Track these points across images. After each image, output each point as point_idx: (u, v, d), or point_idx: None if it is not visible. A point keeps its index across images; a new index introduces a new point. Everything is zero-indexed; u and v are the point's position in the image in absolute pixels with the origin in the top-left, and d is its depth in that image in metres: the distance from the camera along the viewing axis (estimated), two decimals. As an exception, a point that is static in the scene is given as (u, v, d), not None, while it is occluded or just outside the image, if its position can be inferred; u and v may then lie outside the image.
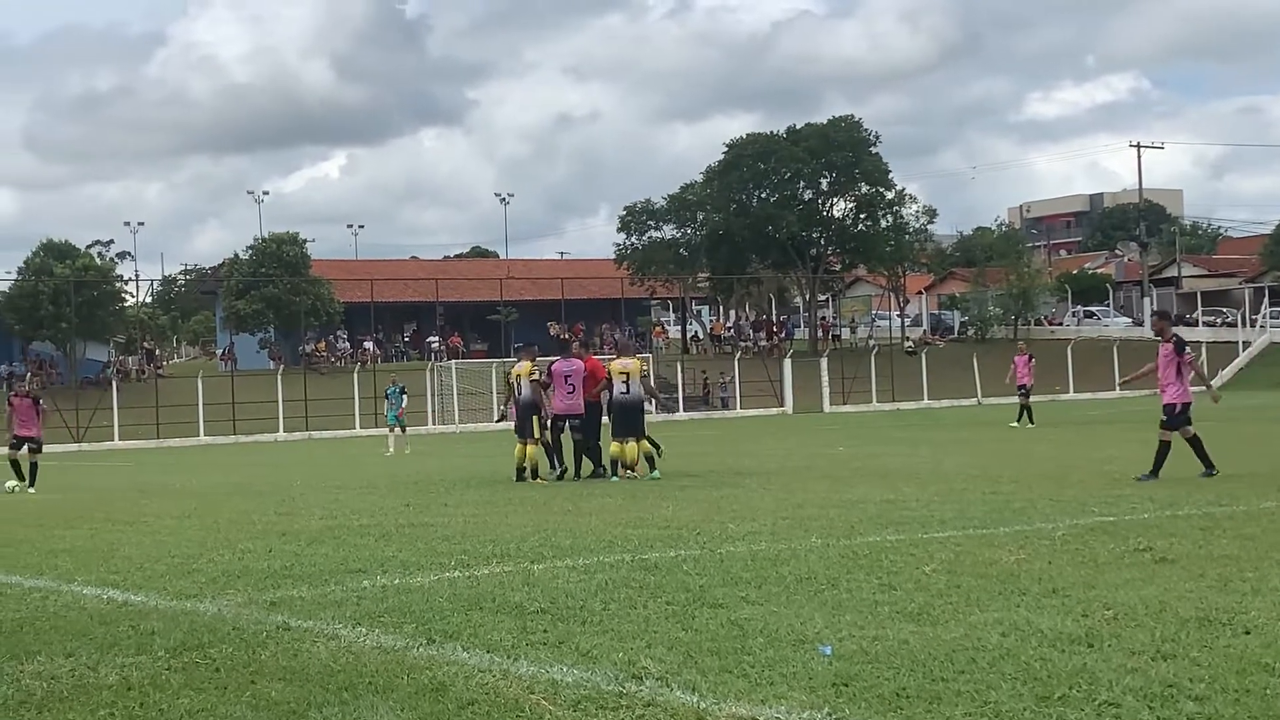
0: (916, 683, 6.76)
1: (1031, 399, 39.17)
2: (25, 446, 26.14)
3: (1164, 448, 18.39)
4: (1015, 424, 37.45)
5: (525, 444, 22.06)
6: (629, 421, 22.03)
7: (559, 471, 22.26)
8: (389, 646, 8.19)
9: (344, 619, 9.21)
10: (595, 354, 26.50)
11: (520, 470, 22.06)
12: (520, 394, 22.50)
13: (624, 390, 22.10)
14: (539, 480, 21.68)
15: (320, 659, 7.90)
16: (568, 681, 7.07)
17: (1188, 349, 19.74)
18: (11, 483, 25.78)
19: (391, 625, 8.90)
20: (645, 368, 23.21)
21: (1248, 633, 7.69)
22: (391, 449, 37.65)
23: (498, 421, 33.50)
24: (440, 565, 11.78)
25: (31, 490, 25.19)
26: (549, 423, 22.65)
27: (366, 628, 8.83)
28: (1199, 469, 18.08)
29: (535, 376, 22.37)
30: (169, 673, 7.71)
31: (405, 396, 39.39)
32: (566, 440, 22.88)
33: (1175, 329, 19.88)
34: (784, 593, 9.58)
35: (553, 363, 23.52)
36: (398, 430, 38.63)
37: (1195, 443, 18.48)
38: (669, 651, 7.69)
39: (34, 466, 25.97)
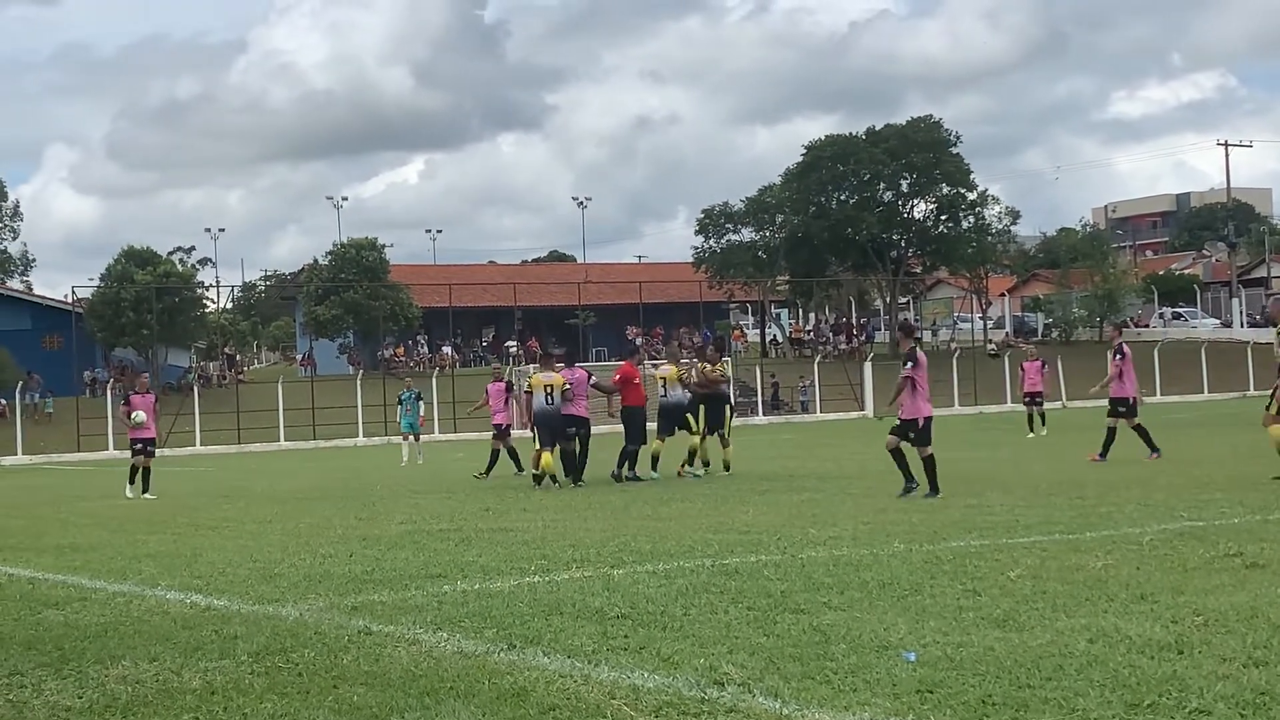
0: (1002, 690, 6.73)
1: (1046, 406, 38.05)
2: (145, 450, 25.97)
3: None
4: (1031, 434, 36.26)
5: (548, 451, 22.73)
6: (669, 422, 23.89)
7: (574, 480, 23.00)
8: (470, 651, 8.23)
9: (425, 624, 9.26)
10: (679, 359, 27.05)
11: (552, 476, 22.71)
12: (550, 403, 22.91)
13: (663, 394, 23.91)
14: (558, 484, 22.61)
15: (401, 664, 7.96)
16: (649, 687, 7.09)
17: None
18: (131, 491, 25.61)
19: (472, 630, 8.95)
20: (689, 373, 24.45)
21: (1343, 640, 7.59)
22: (405, 458, 35.95)
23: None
24: (520, 570, 11.83)
25: (149, 496, 25.16)
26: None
27: (447, 633, 8.88)
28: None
29: (567, 388, 22.98)
30: (252, 677, 7.79)
31: (423, 404, 38.04)
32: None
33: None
34: (866, 598, 9.55)
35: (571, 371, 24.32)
36: (411, 438, 36.61)
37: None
38: (751, 657, 7.68)
39: (148, 472, 25.88)
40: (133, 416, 25.49)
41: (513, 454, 27.08)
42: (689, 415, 23.98)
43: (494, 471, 26.53)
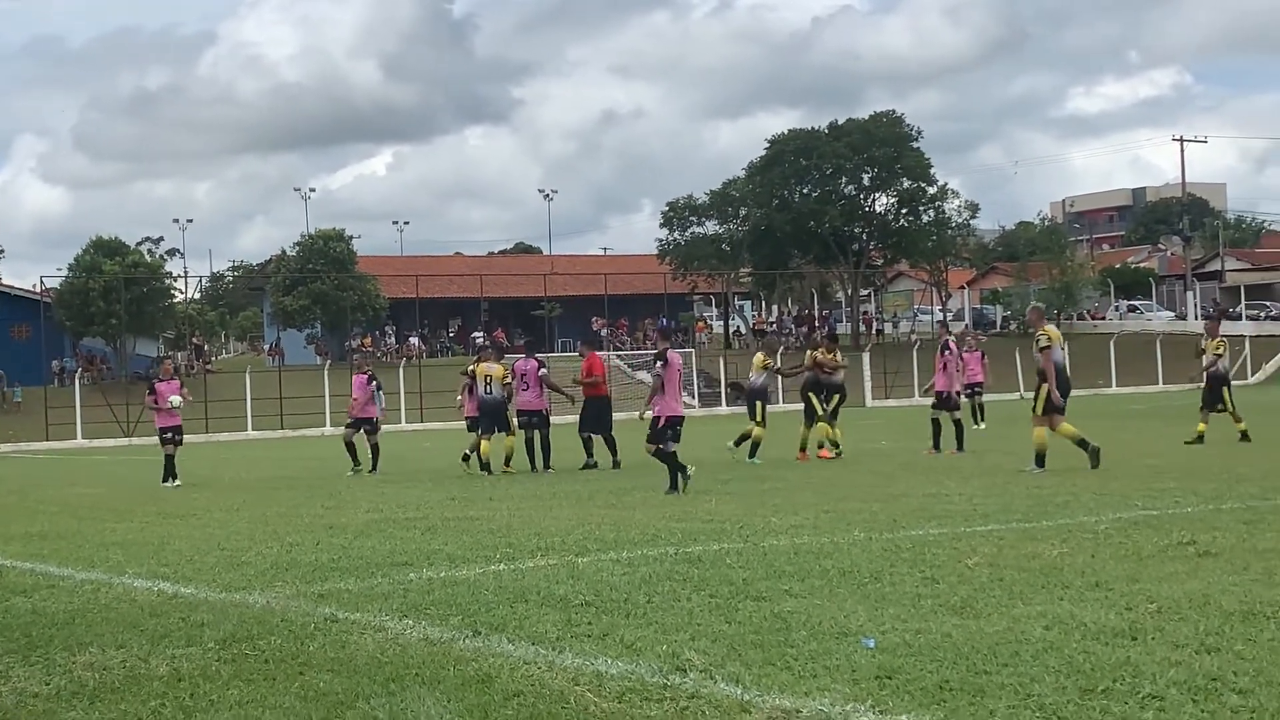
0: (960, 676, 6.75)
1: (984, 398, 37.65)
2: (363, 429, 25.93)
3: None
4: (976, 425, 35.62)
5: (486, 438, 23.74)
6: (490, 420, 23.97)
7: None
8: (435, 638, 8.23)
9: (391, 611, 9.26)
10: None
11: (486, 464, 23.51)
12: (490, 393, 23.82)
13: (486, 392, 23.94)
14: (507, 469, 23.56)
15: (367, 651, 7.94)
16: (612, 674, 7.09)
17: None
18: (171, 481, 24.81)
19: (438, 617, 8.94)
20: (507, 374, 24.35)
21: (1292, 626, 7.65)
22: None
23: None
24: (485, 558, 11.83)
25: (375, 473, 25.02)
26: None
27: (413, 620, 8.87)
28: (1241, 464, 17.90)
29: (508, 380, 23.98)
30: (218, 664, 7.77)
31: (382, 394, 36.84)
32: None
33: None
34: (827, 586, 9.57)
35: (514, 361, 25.12)
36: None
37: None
38: (713, 644, 7.70)
39: (375, 448, 25.85)
40: (173, 401, 24.77)
41: (351, 449, 26.44)
42: (810, 396, 24.41)
43: (371, 464, 26.11)
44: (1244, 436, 24.14)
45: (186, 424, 26.38)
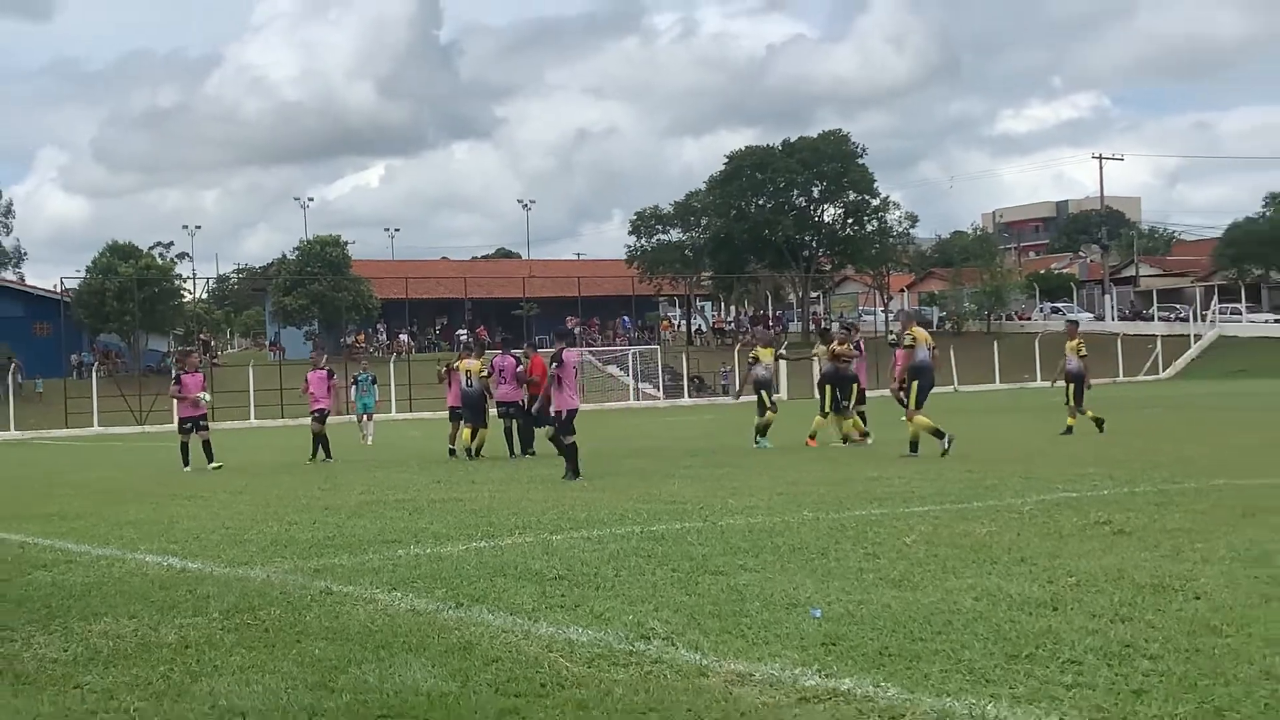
0: (898, 642, 6.77)
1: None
2: (197, 427, 24.39)
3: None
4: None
5: (469, 429, 24.03)
6: (473, 413, 24.17)
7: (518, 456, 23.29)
8: (421, 609, 8.21)
9: (381, 584, 9.23)
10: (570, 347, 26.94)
11: (467, 450, 23.85)
12: (470, 386, 24.05)
13: (466, 385, 24.08)
14: (482, 457, 23.52)
15: (359, 620, 7.92)
16: (583, 641, 7.09)
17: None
18: (316, 458, 24.78)
19: (424, 590, 8.92)
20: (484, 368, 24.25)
21: (1198, 598, 7.69)
22: (368, 438, 33.40)
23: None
24: (468, 536, 11.80)
25: (215, 465, 23.73)
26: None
27: (401, 592, 8.85)
28: (1154, 454, 17.96)
29: (486, 374, 24.02)
30: (222, 633, 7.74)
31: (377, 387, 35.73)
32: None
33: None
34: (778, 561, 9.59)
35: (493, 358, 24.82)
36: (365, 418, 34.37)
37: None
38: (674, 614, 7.70)
39: (208, 444, 24.14)
40: (204, 397, 24.35)
41: (324, 440, 25.89)
42: (826, 388, 23.38)
43: (319, 454, 25.61)
44: (1068, 430, 24.18)
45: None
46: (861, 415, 23.83)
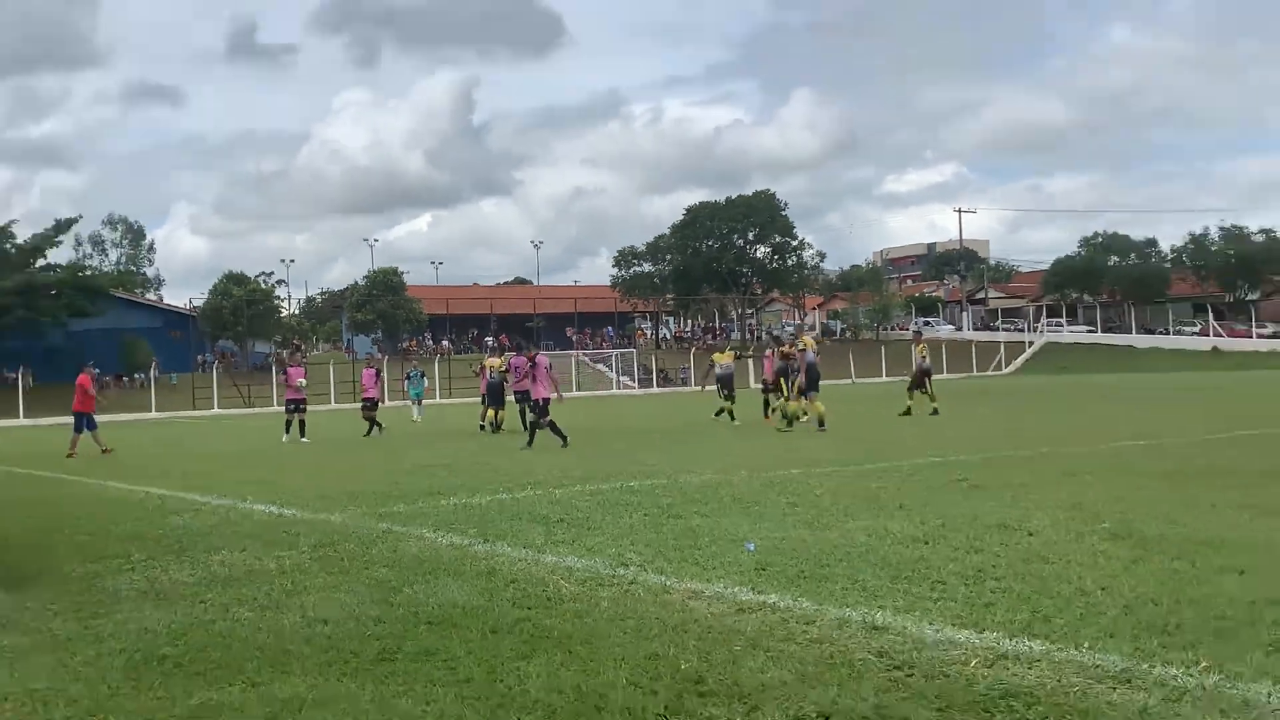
0: (810, 568, 6.79)
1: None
2: (299, 407, 24.10)
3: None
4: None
5: (494, 410, 23.95)
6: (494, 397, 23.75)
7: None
8: (458, 544, 8.20)
9: (428, 526, 9.21)
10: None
11: (490, 425, 23.77)
12: (490, 378, 24.23)
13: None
14: (502, 430, 23.27)
15: (412, 553, 7.91)
16: (578, 567, 7.09)
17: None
18: (288, 438, 23.66)
19: (460, 530, 8.90)
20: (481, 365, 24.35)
21: (1031, 535, 7.74)
22: (417, 417, 33.27)
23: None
24: (492, 490, 11.78)
25: (305, 440, 22.99)
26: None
27: (443, 532, 8.84)
28: (998, 430, 18.02)
29: (504, 369, 23.80)
30: (310, 562, 7.71)
31: (425, 380, 35.43)
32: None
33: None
34: (723, 508, 9.60)
35: (511, 358, 24.45)
36: (416, 403, 34.41)
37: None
38: (645, 548, 7.71)
39: (303, 424, 23.78)
40: (299, 381, 24.21)
41: (374, 421, 25.58)
42: (780, 381, 22.45)
43: (373, 431, 25.15)
44: (935, 412, 24.00)
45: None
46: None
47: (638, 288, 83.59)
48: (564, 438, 17.82)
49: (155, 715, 4.48)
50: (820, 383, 20.50)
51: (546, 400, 18.41)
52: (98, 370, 25.65)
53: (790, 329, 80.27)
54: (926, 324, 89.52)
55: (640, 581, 6.58)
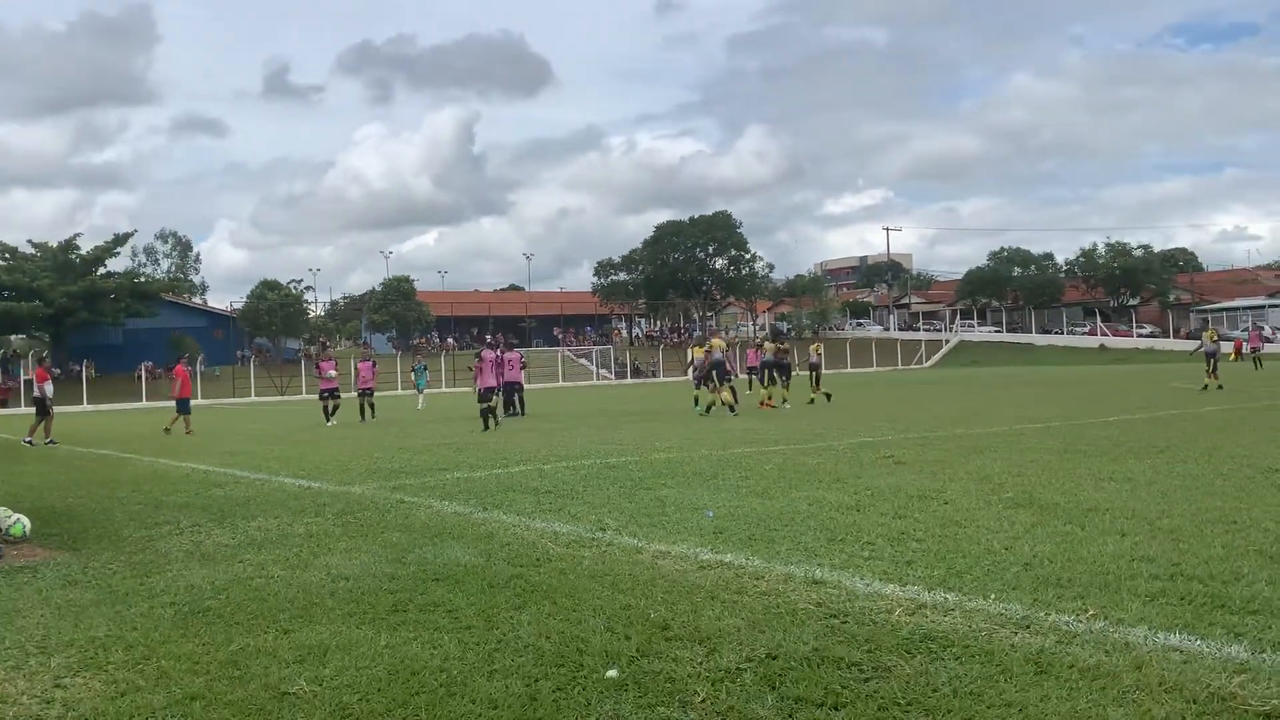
0: (760, 532, 6.82)
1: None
2: (333, 395, 23.79)
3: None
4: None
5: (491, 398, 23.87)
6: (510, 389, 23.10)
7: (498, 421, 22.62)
8: (461, 512, 8.17)
9: (435, 496, 9.18)
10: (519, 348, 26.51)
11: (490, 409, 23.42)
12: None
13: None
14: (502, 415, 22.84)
15: (421, 519, 7.88)
16: (563, 532, 7.08)
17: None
18: (331, 422, 22.90)
19: (462, 500, 8.88)
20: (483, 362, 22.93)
21: (946, 503, 7.79)
22: (421, 405, 32.78)
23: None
24: (490, 466, 11.75)
25: (333, 423, 22.67)
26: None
27: (448, 501, 8.81)
28: (918, 413, 18.12)
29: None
30: (334, 527, 7.67)
31: (428, 373, 35.13)
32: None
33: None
34: (686, 481, 9.61)
35: (496, 354, 24.23)
36: (420, 393, 34.46)
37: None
38: (620, 515, 7.71)
39: (337, 408, 23.35)
40: (329, 372, 24.15)
41: (371, 406, 25.24)
42: (767, 372, 22.37)
43: (369, 415, 24.60)
44: (828, 398, 24.29)
45: (316, 388, 25.70)
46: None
47: (615, 294, 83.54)
48: (485, 426, 17.95)
49: (200, 659, 4.45)
50: (724, 378, 20.81)
51: (490, 389, 18.47)
52: (187, 364, 25.76)
53: (784, 328, 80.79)
54: (859, 324, 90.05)
55: (616, 544, 6.58)
